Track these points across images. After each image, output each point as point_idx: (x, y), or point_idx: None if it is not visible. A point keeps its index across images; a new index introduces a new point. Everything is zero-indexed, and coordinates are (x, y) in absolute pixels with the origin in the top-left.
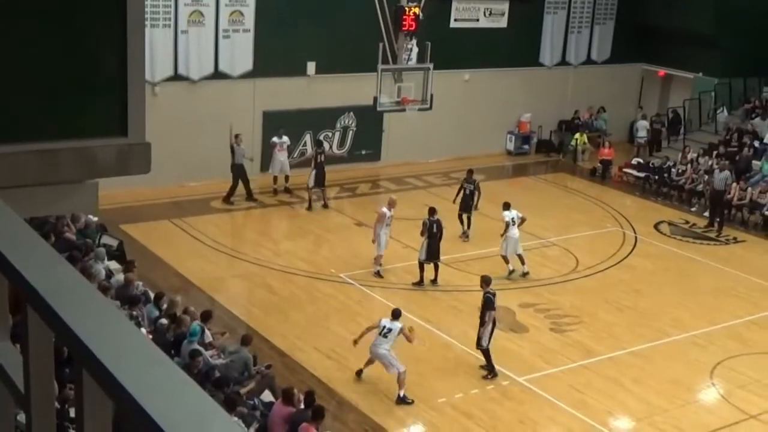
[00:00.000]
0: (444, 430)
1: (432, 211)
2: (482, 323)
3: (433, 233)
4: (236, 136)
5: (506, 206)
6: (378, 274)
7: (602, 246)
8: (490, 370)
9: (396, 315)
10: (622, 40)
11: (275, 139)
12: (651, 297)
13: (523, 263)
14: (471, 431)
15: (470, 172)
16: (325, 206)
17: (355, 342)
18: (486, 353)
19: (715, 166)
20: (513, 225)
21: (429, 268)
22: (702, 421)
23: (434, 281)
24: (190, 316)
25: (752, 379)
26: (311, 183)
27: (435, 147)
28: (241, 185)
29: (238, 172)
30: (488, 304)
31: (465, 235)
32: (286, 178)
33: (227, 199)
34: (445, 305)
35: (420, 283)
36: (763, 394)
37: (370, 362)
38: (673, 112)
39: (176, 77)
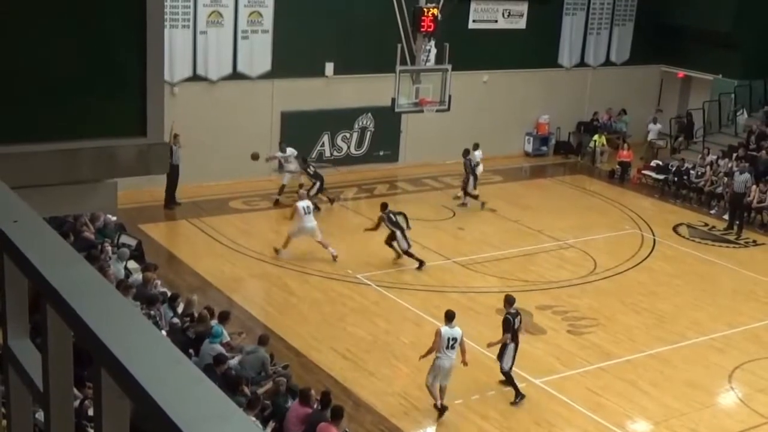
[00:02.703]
0: None
1: (384, 206)
2: (502, 345)
3: (397, 224)
4: (175, 136)
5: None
6: (334, 258)
7: (620, 248)
8: (516, 394)
9: (450, 317)
10: (641, 42)
11: (279, 153)
12: (669, 299)
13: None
14: None
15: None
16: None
17: (422, 357)
18: (508, 376)
19: (735, 169)
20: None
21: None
22: (720, 425)
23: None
24: (209, 314)
25: None
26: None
27: (453, 148)
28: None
29: (174, 173)
30: (506, 325)
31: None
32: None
33: (168, 204)
34: (461, 307)
35: (421, 263)
36: None
37: (436, 391)
38: (687, 115)
39: (195, 78)
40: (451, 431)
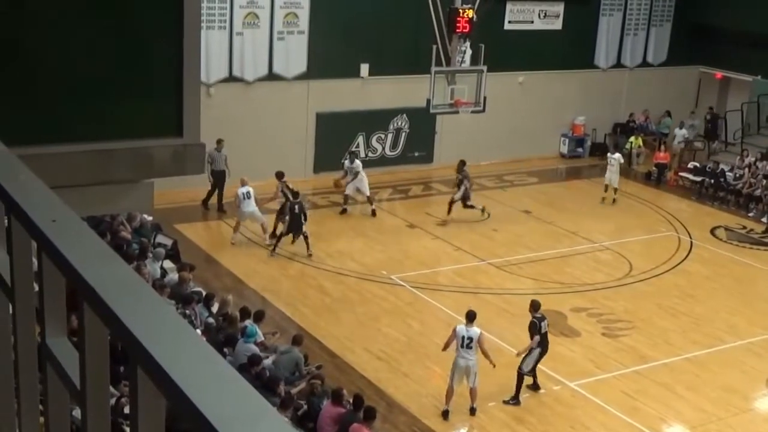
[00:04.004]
0: None
1: (296, 194)
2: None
3: (295, 213)
4: (218, 142)
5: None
6: (273, 244)
7: (657, 250)
8: (515, 396)
9: (470, 317)
10: (678, 42)
11: (347, 163)
12: (706, 303)
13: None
14: None
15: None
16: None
17: (445, 348)
18: (520, 378)
19: None
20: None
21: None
22: (757, 430)
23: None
24: (240, 314)
25: None
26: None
27: (488, 149)
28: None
29: (219, 179)
30: (532, 330)
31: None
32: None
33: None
34: (495, 308)
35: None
36: None
37: (450, 395)
38: (712, 118)
39: (231, 79)
40: None
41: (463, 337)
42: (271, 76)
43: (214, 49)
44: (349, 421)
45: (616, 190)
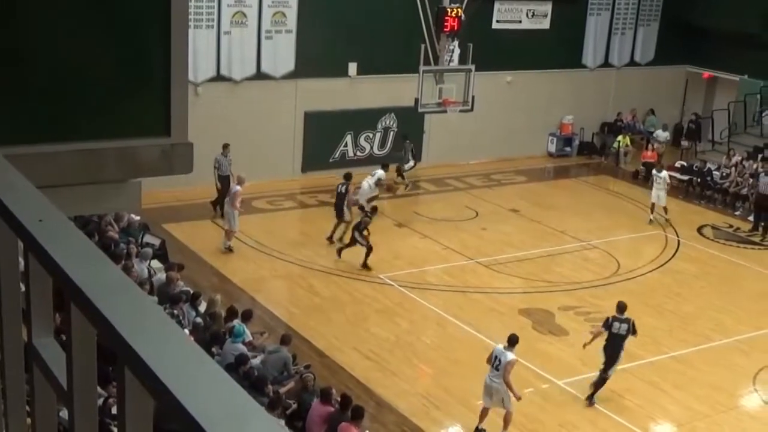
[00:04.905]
0: None
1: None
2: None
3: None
4: (224, 147)
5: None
6: (229, 249)
7: (644, 249)
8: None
9: (512, 342)
10: (666, 42)
11: (382, 174)
12: (693, 301)
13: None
14: None
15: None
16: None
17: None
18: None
19: (761, 170)
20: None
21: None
22: (744, 428)
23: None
24: (228, 314)
25: None
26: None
27: (476, 148)
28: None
29: (225, 184)
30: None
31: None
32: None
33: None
34: (484, 307)
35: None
36: None
37: (484, 413)
38: (695, 117)
39: (219, 78)
40: None
41: (495, 358)
42: (259, 75)
43: (201, 48)
44: (338, 421)
45: (666, 209)
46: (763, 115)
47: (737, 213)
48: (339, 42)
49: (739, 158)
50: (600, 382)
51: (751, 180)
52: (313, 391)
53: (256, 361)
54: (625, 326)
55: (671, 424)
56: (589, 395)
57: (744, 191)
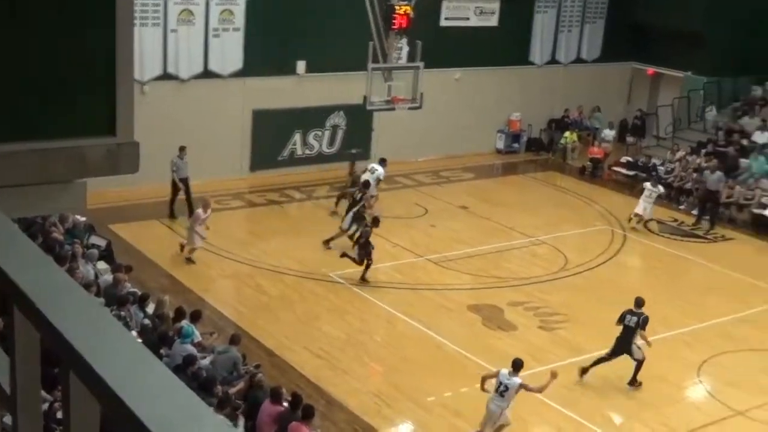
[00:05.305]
0: (433, 430)
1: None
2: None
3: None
4: (181, 149)
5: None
6: (190, 260)
7: (591, 244)
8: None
9: (516, 366)
10: (612, 39)
11: (380, 169)
12: (639, 294)
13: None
14: (460, 430)
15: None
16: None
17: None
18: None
19: (704, 165)
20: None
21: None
22: (690, 418)
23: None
24: (176, 314)
25: (739, 376)
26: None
27: (425, 146)
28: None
29: (185, 185)
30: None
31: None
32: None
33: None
34: (434, 304)
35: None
36: (750, 390)
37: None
38: (639, 113)
39: (165, 76)
40: (424, 429)
41: (500, 383)
42: (207, 74)
43: (147, 46)
44: (288, 420)
45: (648, 221)
46: (706, 110)
47: (682, 207)
48: (287, 40)
49: (683, 153)
50: (599, 361)
51: (695, 174)
52: (263, 388)
53: (205, 362)
54: (635, 319)
55: (620, 416)
56: (585, 368)
57: (688, 186)
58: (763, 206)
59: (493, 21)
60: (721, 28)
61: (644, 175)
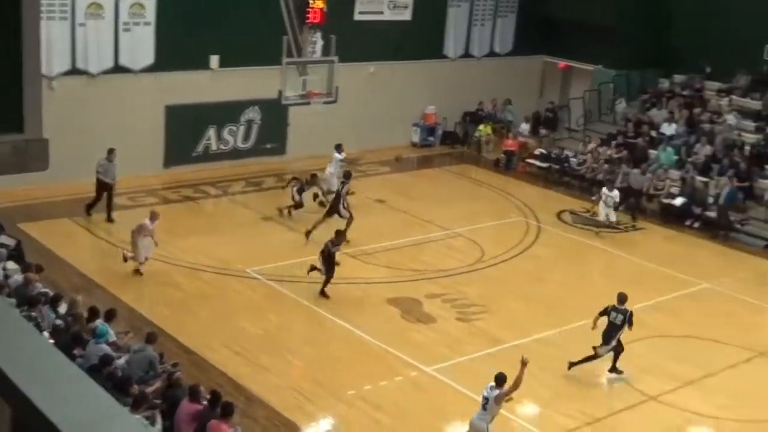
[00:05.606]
0: (354, 423)
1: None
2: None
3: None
4: (110, 151)
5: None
6: (138, 271)
7: (507, 236)
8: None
9: (499, 381)
10: (524, 33)
11: (337, 155)
12: (555, 285)
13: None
14: (380, 423)
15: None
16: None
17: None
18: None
19: (615, 155)
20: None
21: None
22: (606, 405)
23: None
24: (90, 314)
25: (650, 362)
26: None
27: (340, 140)
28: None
29: (109, 188)
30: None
31: None
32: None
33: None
34: (353, 298)
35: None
36: (661, 376)
37: None
38: (551, 105)
39: (74, 71)
40: (344, 423)
41: (483, 397)
42: (118, 69)
43: (55, 40)
44: (207, 418)
45: (613, 224)
46: (616, 103)
47: (593, 198)
48: (200, 34)
49: (594, 145)
50: (590, 357)
51: (606, 166)
52: (182, 386)
53: (121, 362)
54: (621, 317)
55: (537, 404)
56: (574, 363)
57: (599, 177)
58: (672, 196)
59: (406, 15)
60: (630, 22)
61: (557, 167)
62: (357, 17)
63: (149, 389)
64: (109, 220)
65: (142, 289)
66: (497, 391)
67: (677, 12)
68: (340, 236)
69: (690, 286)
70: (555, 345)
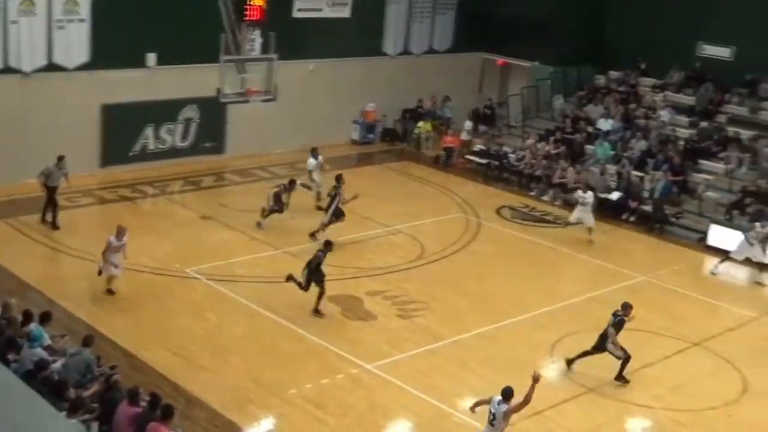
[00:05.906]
0: (295, 422)
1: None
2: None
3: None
4: (60, 159)
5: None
6: (110, 291)
7: (447, 232)
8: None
9: (506, 395)
10: (462, 30)
11: (312, 160)
12: (494, 280)
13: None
14: (322, 421)
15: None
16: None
17: (473, 409)
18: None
19: (553, 151)
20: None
21: None
22: (546, 397)
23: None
24: (24, 317)
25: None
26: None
27: (280, 138)
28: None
29: (53, 193)
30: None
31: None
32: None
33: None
34: (294, 296)
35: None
36: (599, 367)
37: None
38: (490, 102)
39: (7, 70)
40: (286, 422)
41: (490, 412)
42: (51, 67)
43: None
44: (147, 421)
45: (591, 230)
46: (554, 99)
47: (532, 193)
48: (136, 31)
49: (533, 141)
50: (584, 354)
51: (544, 161)
52: (118, 388)
53: (57, 365)
54: (612, 319)
55: (478, 399)
56: (572, 359)
57: (538, 172)
58: (609, 190)
59: (345, 12)
60: (567, 19)
61: (496, 163)
62: (296, 14)
63: (86, 393)
64: (55, 227)
65: (78, 291)
66: (505, 406)
67: (612, 9)
68: (328, 246)
69: (627, 279)
70: (493, 339)
